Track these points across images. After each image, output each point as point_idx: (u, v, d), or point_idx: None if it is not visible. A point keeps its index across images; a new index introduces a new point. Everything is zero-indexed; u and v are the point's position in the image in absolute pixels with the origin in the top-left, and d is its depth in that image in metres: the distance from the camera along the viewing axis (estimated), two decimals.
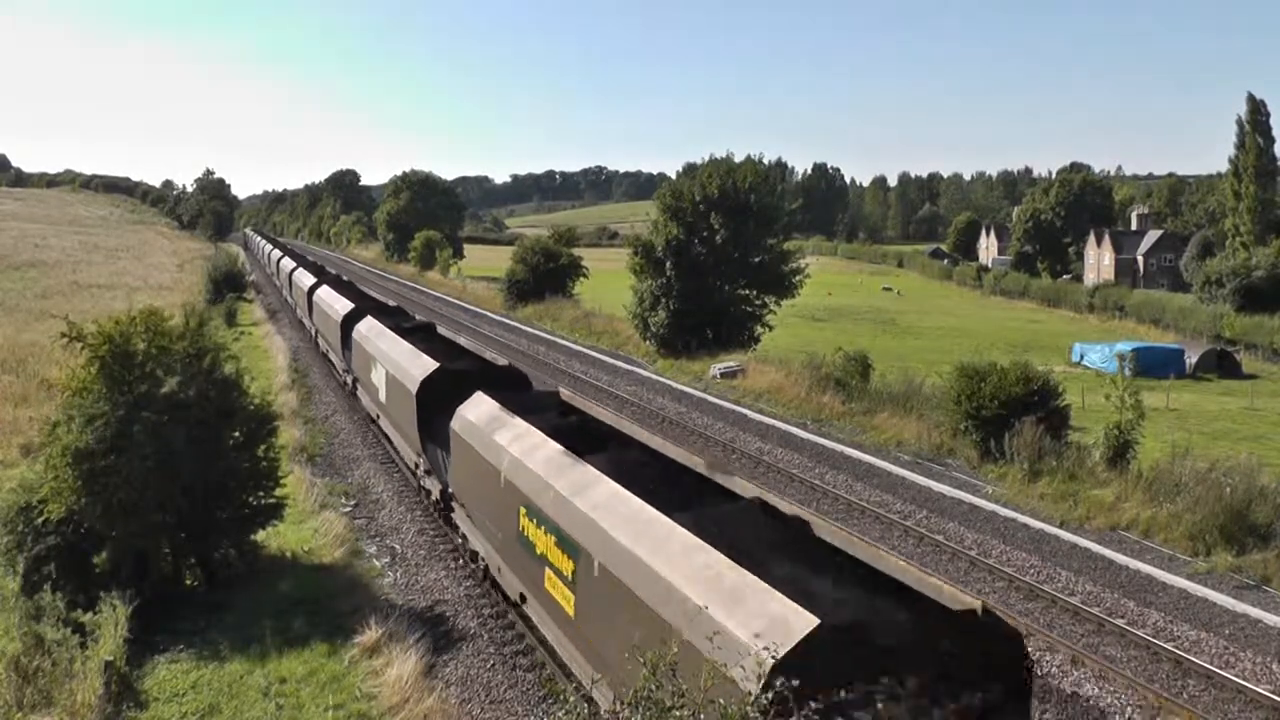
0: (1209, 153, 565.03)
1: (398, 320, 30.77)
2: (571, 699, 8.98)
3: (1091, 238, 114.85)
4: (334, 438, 28.80)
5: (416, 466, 21.59)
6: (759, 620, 8.45)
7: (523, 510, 13.72)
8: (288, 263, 67.79)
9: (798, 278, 47.40)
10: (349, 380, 28.92)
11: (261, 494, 17.85)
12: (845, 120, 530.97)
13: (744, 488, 12.34)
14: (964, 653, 8.60)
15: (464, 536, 17.87)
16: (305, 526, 20.22)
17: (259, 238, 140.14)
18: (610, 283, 67.24)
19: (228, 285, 66.18)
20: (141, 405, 15.96)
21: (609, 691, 10.45)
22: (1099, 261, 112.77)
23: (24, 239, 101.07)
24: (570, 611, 12.10)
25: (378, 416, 26.62)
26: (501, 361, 22.34)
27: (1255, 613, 16.92)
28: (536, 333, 55.10)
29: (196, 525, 16.92)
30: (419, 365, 21.48)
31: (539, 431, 14.64)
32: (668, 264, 45.80)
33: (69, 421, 16.11)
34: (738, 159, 48.09)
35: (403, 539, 20.18)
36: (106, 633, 14.38)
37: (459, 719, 13.03)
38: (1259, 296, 70.07)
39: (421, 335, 27.32)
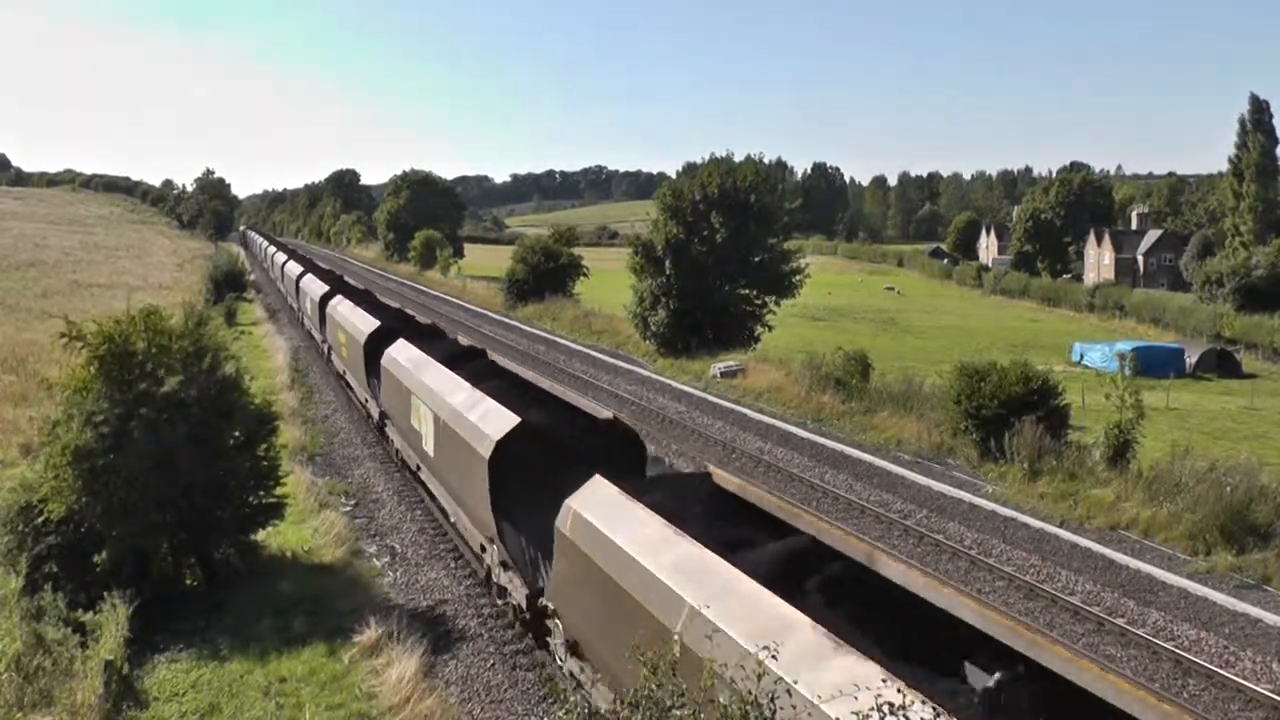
0: (1209, 152, 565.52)
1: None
2: (571, 699, 9.00)
3: (1091, 237, 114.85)
4: (334, 437, 28.83)
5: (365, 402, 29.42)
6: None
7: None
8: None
9: (798, 277, 47.38)
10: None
11: (262, 493, 17.81)
12: (845, 120, 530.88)
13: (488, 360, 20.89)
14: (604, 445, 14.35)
15: (390, 441, 25.15)
16: (305, 526, 20.21)
17: (259, 238, 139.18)
18: (610, 282, 67.20)
19: (228, 285, 66.14)
20: (141, 403, 15.96)
21: (609, 692, 10.69)
22: (1099, 261, 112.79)
23: (24, 238, 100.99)
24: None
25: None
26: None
27: (1255, 612, 16.93)
28: (537, 332, 55.09)
29: (197, 525, 16.88)
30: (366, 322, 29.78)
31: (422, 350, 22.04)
32: (667, 263, 45.78)
33: (69, 421, 16.08)
34: (738, 158, 48.11)
35: (403, 538, 20.19)
36: (107, 632, 14.36)
37: (459, 719, 13.03)
38: (1259, 296, 70.12)
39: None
